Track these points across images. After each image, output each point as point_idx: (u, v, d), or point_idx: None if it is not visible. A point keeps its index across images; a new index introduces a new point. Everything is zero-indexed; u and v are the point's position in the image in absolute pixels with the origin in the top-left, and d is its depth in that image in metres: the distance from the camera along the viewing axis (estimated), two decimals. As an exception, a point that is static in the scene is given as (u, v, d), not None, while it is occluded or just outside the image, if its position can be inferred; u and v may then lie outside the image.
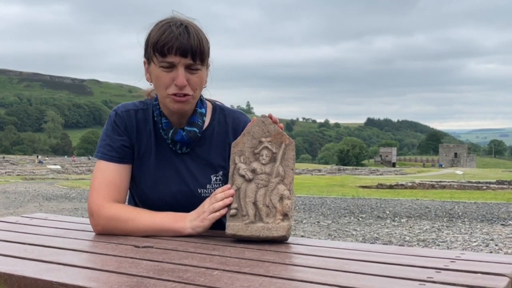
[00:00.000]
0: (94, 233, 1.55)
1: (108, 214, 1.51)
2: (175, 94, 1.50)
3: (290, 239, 1.42)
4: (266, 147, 1.44)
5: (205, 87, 1.62)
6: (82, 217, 1.62)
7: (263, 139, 1.44)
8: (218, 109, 1.70)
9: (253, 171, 1.43)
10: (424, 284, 0.97)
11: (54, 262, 1.16)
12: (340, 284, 0.97)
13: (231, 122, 1.66)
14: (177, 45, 1.46)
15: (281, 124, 1.47)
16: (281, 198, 1.40)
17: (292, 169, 1.43)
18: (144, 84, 1.71)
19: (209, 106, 1.69)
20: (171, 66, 1.48)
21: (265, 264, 1.14)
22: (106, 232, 1.52)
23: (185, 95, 1.50)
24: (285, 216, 1.39)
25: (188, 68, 1.49)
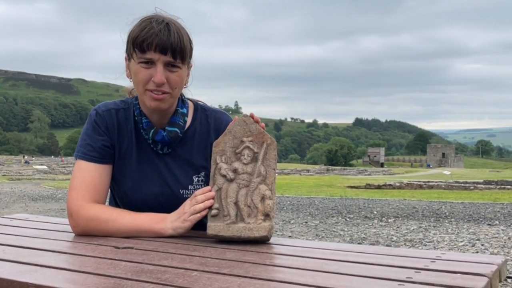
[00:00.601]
0: (74, 234, 1.53)
1: (88, 215, 1.49)
2: (152, 91, 1.48)
3: (272, 240, 1.42)
4: (248, 147, 1.43)
5: (185, 86, 1.61)
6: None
7: (245, 139, 1.44)
8: (200, 108, 1.68)
9: (235, 171, 1.42)
10: (403, 285, 0.97)
11: (31, 264, 1.15)
12: (319, 285, 0.97)
13: (213, 122, 1.65)
14: (156, 42, 1.44)
15: (263, 124, 1.46)
16: (263, 198, 1.39)
17: (274, 169, 1.42)
18: (125, 82, 1.69)
19: (191, 106, 1.68)
20: (150, 63, 1.47)
21: (245, 265, 1.13)
22: (86, 233, 1.50)
23: (163, 92, 1.49)
24: (267, 216, 1.38)
25: (168, 65, 1.48)
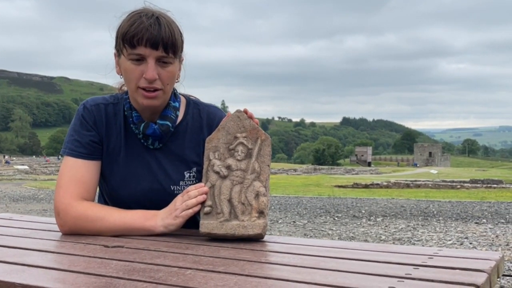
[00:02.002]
0: (61, 233, 1.48)
1: (76, 213, 1.45)
2: (144, 89, 1.45)
3: (266, 237, 1.39)
4: (242, 143, 1.40)
5: (177, 81, 1.57)
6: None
7: (238, 135, 1.40)
8: (192, 103, 1.65)
9: (228, 167, 1.39)
10: (403, 281, 0.95)
11: (18, 263, 1.11)
12: (317, 282, 0.94)
13: (205, 117, 1.62)
14: (147, 37, 1.40)
15: (257, 119, 1.43)
16: (257, 195, 1.36)
17: (268, 166, 1.39)
18: (112, 81, 1.66)
19: (183, 101, 1.64)
20: (141, 59, 1.43)
21: (240, 263, 1.11)
22: (74, 232, 1.46)
23: (155, 89, 1.45)
24: (261, 213, 1.35)
25: (159, 61, 1.44)
